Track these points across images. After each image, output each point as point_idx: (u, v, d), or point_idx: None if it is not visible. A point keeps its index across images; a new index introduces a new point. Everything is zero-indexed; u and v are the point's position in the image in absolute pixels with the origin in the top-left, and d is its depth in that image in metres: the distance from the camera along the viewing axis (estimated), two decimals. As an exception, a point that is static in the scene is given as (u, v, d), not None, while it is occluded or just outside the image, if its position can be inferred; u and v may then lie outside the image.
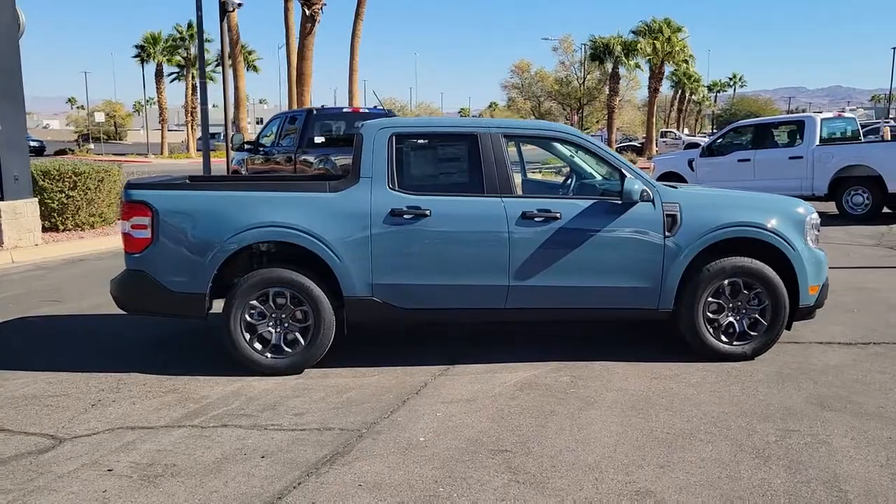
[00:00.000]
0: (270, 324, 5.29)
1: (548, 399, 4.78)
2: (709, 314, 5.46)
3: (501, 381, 5.15)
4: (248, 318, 5.25)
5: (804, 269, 5.48)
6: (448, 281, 5.32)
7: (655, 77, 45.64)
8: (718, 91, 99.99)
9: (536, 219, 5.30)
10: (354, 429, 4.33)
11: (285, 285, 5.23)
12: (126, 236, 5.28)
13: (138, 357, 5.78)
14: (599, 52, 43.34)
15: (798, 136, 14.89)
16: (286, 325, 5.31)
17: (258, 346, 5.28)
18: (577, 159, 6.08)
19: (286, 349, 5.30)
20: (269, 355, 5.29)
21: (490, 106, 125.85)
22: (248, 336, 5.26)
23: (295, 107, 20.31)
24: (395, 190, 5.30)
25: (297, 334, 5.30)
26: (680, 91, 66.62)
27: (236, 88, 17.85)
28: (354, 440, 4.17)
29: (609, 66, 44.40)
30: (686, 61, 47.16)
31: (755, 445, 4.02)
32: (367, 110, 12.87)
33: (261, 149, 13.61)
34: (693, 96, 75.05)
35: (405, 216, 5.24)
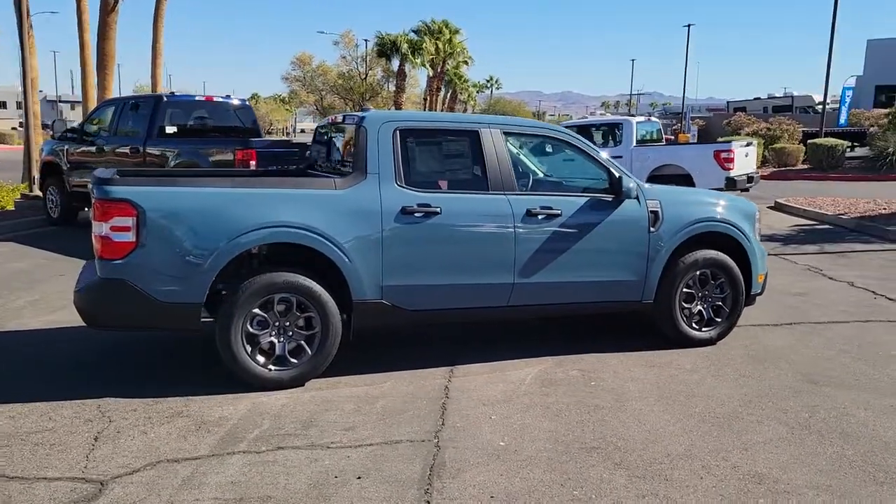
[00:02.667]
0: (273, 333, 4.84)
1: (578, 394, 4.85)
2: (683, 304, 5.84)
3: (517, 378, 5.13)
4: (250, 328, 4.77)
5: (756, 259, 6.04)
6: (457, 280, 5.19)
7: (438, 76, 47.09)
8: (478, 92, 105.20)
9: (539, 216, 5.33)
10: (423, 439, 4.11)
11: (291, 291, 4.80)
12: (103, 240, 4.54)
13: (96, 377, 5.01)
14: (387, 49, 43.79)
15: (614, 138, 16.16)
16: (290, 333, 4.88)
17: (260, 358, 4.81)
18: (562, 157, 6.17)
19: (291, 360, 4.87)
20: (272, 368, 4.83)
21: (252, 97, 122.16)
22: (249, 348, 4.77)
23: (95, 93, 18.31)
24: (403, 187, 5.07)
25: (303, 343, 4.90)
26: (451, 90, 69.15)
27: (31, 67, 15.68)
28: (436, 450, 3.96)
29: (396, 64, 45.05)
30: (466, 62, 49.26)
31: (799, 422, 4.40)
32: (220, 99, 11.98)
33: (88, 138, 12.17)
34: (460, 96, 78.19)
35: (416, 214, 5.04)
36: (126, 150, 11.19)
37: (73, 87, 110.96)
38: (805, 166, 26.58)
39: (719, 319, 5.96)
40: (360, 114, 5.29)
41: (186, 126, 11.39)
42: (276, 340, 4.85)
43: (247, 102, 12.45)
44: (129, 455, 3.85)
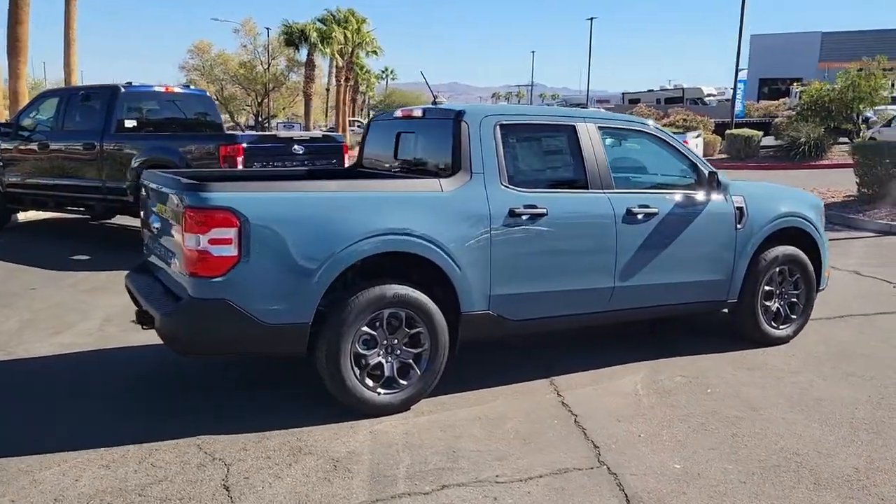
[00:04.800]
0: (381, 353, 4.34)
1: (705, 404, 4.58)
2: (764, 302, 5.68)
3: (627, 389, 4.83)
4: (358, 349, 4.25)
5: (825, 254, 5.97)
6: (561, 286, 4.83)
7: (347, 66, 45.97)
8: (378, 81, 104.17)
9: (638, 215, 5.04)
10: (590, 466, 3.74)
11: (401, 305, 4.31)
12: (200, 255, 3.90)
13: (171, 410, 4.37)
14: (295, 38, 42.27)
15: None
16: (397, 352, 4.39)
17: (369, 381, 4.30)
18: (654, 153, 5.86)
19: (400, 381, 4.39)
20: (381, 391, 4.33)
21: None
22: (357, 371, 4.25)
23: (4, 83, 16.70)
24: (507, 187, 4.65)
25: (411, 362, 4.42)
26: (354, 81, 67.95)
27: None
28: (614, 478, 3.60)
29: (304, 53, 43.59)
30: (375, 52, 48.30)
31: (947, 424, 4.29)
32: (180, 90, 11.05)
33: (25, 133, 10.98)
34: (361, 87, 77.16)
35: (523, 216, 4.63)
36: (78, 146, 10.17)
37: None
38: (723, 156, 27.50)
39: (794, 316, 5.85)
40: (453, 107, 4.83)
41: (146, 119, 10.46)
42: (383, 361, 4.35)
43: (206, 94, 11.58)
44: (282, 507, 3.30)
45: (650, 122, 5.54)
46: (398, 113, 5.45)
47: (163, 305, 4.16)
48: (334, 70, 48.27)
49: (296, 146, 9.30)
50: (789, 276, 5.78)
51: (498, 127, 4.71)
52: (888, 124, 27.19)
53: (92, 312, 6.56)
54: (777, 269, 5.69)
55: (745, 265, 5.52)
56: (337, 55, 42.90)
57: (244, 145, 8.81)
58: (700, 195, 5.34)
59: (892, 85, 27.21)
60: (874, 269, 8.73)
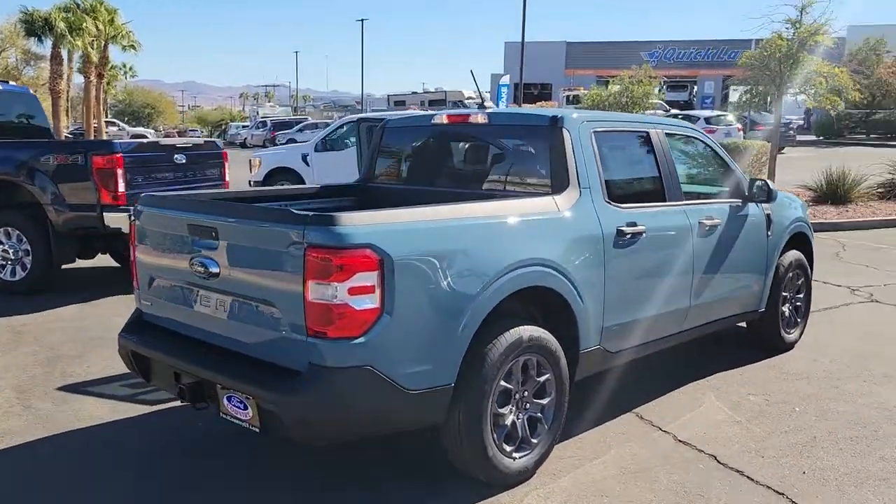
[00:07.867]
0: (513, 409, 3.58)
1: (811, 424, 4.35)
2: (782, 308, 5.62)
3: (719, 416, 4.47)
4: (497, 408, 3.47)
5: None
6: (653, 311, 4.36)
7: (102, 62, 41.36)
8: (116, 80, 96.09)
9: (706, 227, 4.71)
10: (804, 518, 3.32)
11: (534, 350, 3.58)
12: (337, 310, 2.89)
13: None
14: (37, 28, 37.13)
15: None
16: (527, 405, 3.66)
17: (506, 446, 3.52)
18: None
19: (531, 440, 3.65)
20: (516, 455, 3.57)
21: None
22: (495, 435, 3.46)
23: None
24: (609, 203, 4.07)
25: (540, 415, 3.70)
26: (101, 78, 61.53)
27: None
28: (846, 531, 3.21)
29: (49, 45, 38.39)
30: (133, 46, 43.88)
31: None
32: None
33: None
34: (104, 84, 70.54)
35: (627, 236, 4.09)
36: None
37: None
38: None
39: (799, 320, 5.88)
40: (543, 112, 4.15)
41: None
42: (515, 418, 3.59)
43: (29, 90, 9.55)
44: None
45: (698, 127, 5.24)
46: (440, 118, 4.61)
47: (272, 380, 3.04)
48: (79, 65, 43.30)
49: (177, 155, 7.90)
50: (796, 281, 5.79)
51: (593, 135, 4.12)
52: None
53: (-13, 382, 4.94)
54: (790, 275, 5.66)
55: (772, 273, 5.41)
56: (89, 48, 38.54)
57: (123, 155, 7.25)
58: (741, 203, 5.13)
59: (659, 91, 29.86)
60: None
